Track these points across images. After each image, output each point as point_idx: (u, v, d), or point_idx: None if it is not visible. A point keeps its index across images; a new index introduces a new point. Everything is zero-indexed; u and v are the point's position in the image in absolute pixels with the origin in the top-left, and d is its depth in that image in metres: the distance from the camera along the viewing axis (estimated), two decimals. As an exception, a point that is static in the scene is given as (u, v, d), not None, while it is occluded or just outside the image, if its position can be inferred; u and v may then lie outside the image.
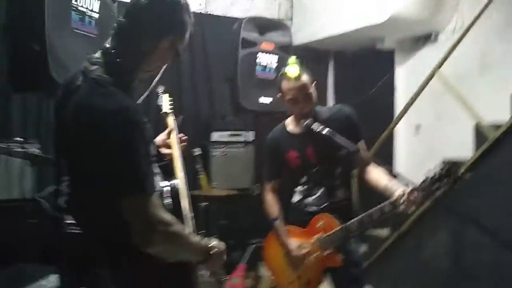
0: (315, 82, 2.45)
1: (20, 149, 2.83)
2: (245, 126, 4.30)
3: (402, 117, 3.81)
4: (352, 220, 2.26)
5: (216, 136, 4.39)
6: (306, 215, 2.46)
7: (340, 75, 5.39)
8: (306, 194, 2.48)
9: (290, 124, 2.54)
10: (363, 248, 2.78)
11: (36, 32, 2.13)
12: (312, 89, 2.40)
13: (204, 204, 3.64)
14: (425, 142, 4.33)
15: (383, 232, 3.95)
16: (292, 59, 2.44)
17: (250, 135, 4.28)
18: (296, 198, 2.54)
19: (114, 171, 1.32)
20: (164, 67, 1.59)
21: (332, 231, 2.32)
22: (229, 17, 4.62)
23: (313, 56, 5.36)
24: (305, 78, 2.36)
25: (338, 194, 2.45)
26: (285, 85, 2.37)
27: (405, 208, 2.08)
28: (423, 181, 2.06)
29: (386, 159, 4.29)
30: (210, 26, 4.62)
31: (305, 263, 2.39)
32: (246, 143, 4.35)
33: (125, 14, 1.47)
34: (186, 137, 2.04)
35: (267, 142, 2.62)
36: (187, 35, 1.53)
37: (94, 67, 1.42)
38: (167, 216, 1.38)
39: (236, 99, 3.67)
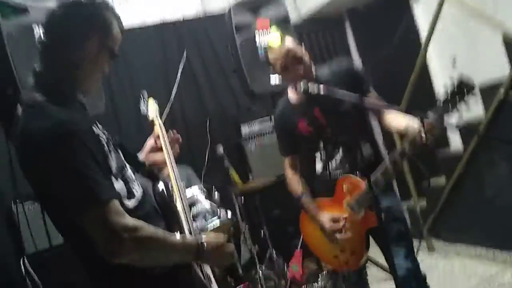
0: (302, 43, 2.32)
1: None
2: (269, 111, 4.15)
3: (427, 45, 3.53)
4: (375, 173, 2.07)
5: (246, 129, 4.32)
6: (332, 181, 2.30)
7: (359, 33, 5.14)
8: (327, 159, 2.34)
9: (292, 93, 2.41)
10: (401, 202, 2.53)
11: (6, 77, 2.14)
12: (301, 51, 2.25)
13: (241, 199, 3.54)
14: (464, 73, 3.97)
15: (440, 180, 3.66)
16: (273, 28, 2.32)
17: (276, 118, 4.11)
18: (318, 167, 2.39)
19: (61, 190, 1.28)
20: (106, 71, 1.52)
21: (358, 190, 2.15)
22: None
23: (325, 24, 5.15)
24: (289, 42, 2.24)
25: (360, 151, 2.29)
26: (270, 56, 2.27)
27: (426, 140, 1.86)
28: (436, 106, 1.84)
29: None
30: (214, 26, 4.57)
31: (344, 239, 2.23)
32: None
33: (44, 32, 1.45)
34: (178, 135, 1.94)
35: (275, 119, 2.53)
36: (115, 30, 1.48)
37: (29, 93, 1.40)
38: (133, 221, 1.31)
39: (247, 88, 3.54)
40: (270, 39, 2.26)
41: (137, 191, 1.51)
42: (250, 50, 3.55)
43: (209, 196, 3.14)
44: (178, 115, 4.38)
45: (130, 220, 1.30)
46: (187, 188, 3.10)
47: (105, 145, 1.42)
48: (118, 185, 1.43)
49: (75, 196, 1.26)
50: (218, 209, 3.09)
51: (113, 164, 1.43)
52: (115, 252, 1.26)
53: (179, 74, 4.36)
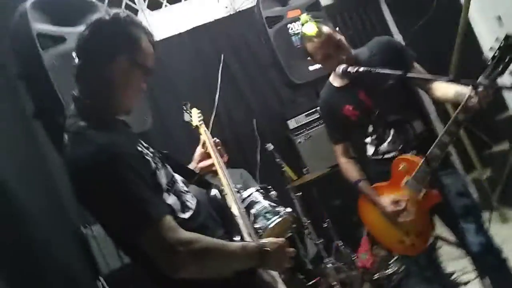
0: (337, 28, 2.29)
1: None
2: (314, 101, 4.08)
3: (468, 7, 3.33)
4: (432, 147, 1.99)
5: (293, 123, 4.28)
6: (387, 164, 2.24)
7: (395, 4, 4.95)
8: (379, 142, 2.28)
9: (334, 80, 2.38)
10: (463, 177, 2.42)
11: (56, 108, 2.22)
12: (339, 35, 2.23)
13: (298, 194, 3.50)
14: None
15: (503, 146, 3.47)
16: (303, 17, 2.33)
17: (323, 108, 4.04)
18: (370, 151, 2.34)
19: (112, 215, 1.30)
20: (143, 89, 1.53)
21: (416, 168, 2.07)
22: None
23: (358, 2, 5.02)
24: (325, 29, 2.22)
25: (412, 129, 2.21)
26: (310, 47, 2.25)
27: (480, 104, 1.80)
28: (486, 67, 1.76)
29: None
30: (245, 22, 4.55)
31: (407, 219, 2.15)
32: (323, 116, 4.14)
33: (77, 55, 1.46)
34: (218, 140, 1.96)
35: (320, 107, 2.51)
36: (144, 45, 1.47)
37: (72, 120, 1.42)
38: (187, 235, 1.31)
39: (287, 79, 3.50)
40: (306, 29, 2.23)
41: (191, 202, 1.52)
42: (284, 41, 3.52)
43: (267, 196, 3.12)
44: (224, 119, 4.39)
45: (184, 234, 1.30)
46: (244, 190, 3.12)
47: (152, 162, 1.41)
48: (171, 200, 1.43)
49: (127, 219, 1.28)
50: (278, 207, 3.07)
51: (163, 180, 1.43)
52: (174, 267, 1.27)
53: (219, 78, 4.38)
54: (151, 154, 1.44)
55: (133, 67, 1.44)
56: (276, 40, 3.46)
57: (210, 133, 2.09)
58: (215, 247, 1.36)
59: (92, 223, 3.45)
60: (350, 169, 2.37)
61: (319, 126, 4.22)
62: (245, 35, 4.57)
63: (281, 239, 1.51)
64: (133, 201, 1.27)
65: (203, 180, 1.74)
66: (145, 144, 1.47)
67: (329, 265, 3.43)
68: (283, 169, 3.48)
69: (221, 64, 4.43)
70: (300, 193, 3.54)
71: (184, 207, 1.47)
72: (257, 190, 3.16)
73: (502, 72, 1.72)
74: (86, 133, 1.34)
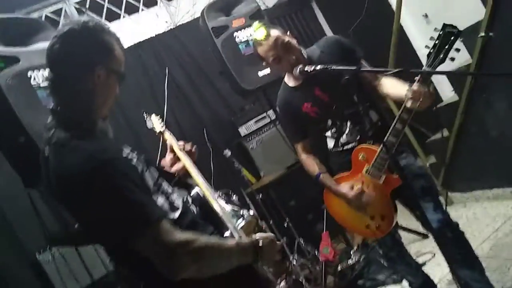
0: (288, 31, 2.41)
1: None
2: (263, 106, 4.23)
3: (400, 7, 3.62)
4: (387, 135, 2.12)
5: (244, 130, 4.39)
6: (348, 155, 2.37)
7: (328, 9, 5.26)
8: (338, 135, 2.41)
9: (289, 80, 2.47)
10: (419, 160, 2.62)
11: (15, 127, 2.18)
12: (287, 37, 2.33)
13: (258, 197, 3.60)
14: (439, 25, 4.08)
15: (440, 135, 3.77)
16: (256, 24, 2.41)
17: (272, 112, 4.18)
18: (330, 144, 2.47)
19: (110, 222, 1.30)
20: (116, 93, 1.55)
21: (374, 156, 2.21)
22: (197, 18, 4.55)
23: (293, 7, 5.25)
24: (274, 32, 2.32)
25: (367, 120, 2.33)
26: (260, 50, 2.34)
27: (425, 91, 1.95)
28: (428, 55, 1.92)
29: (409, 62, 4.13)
30: (186, 35, 4.65)
31: (369, 200, 2.28)
32: (272, 121, 4.29)
33: (49, 68, 1.45)
34: (188, 143, 2.01)
35: (279, 107, 2.57)
36: (117, 51, 1.48)
37: (51, 131, 1.41)
38: (184, 236, 1.33)
39: (238, 87, 3.59)
40: (256, 35, 2.32)
41: (178, 202, 1.55)
42: (231, 50, 3.61)
43: (229, 200, 3.19)
44: (174, 130, 4.34)
45: (181, 235, 1.32)
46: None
47: (138, 165, 1.44)
48: (160, 201, 1.46)
49: (124, 223, 1.29)
50: (240, 210, 3.15)
51: (150, 182, 1.46)
52: (174, 269, 1.29)
53: (165, 91, 4.41)
54: (136, 158, 1.46)
55: (110, 74, 1.46)
56: (224, 49, 3.54)
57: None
58: (212, 245, 1.39)
59: (46, 248, 3.37)
60: (311, 164, 2.47)
61: (269, 131, 4.38)
62: (187, 48, 4.66)
63: (270, 234, 1.57)
64: (128, 205, 1.28)
65: (182, 181, 1.79)
66: (128, 148, 1.49)
67: (293, 263, 3.54)
68: (242, 174, 3.55)
69: (166, 77, 4.47)
70: (261, 196, 3.62)
71: (173, 207, 1.49)
72: (219, 196, 3.21)
73: (443, 60, 1.89)
74: (71, 144, 1.34)
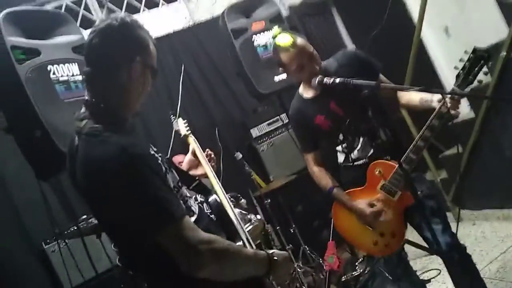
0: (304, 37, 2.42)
1: (86, 225, 2.98)
2: (276, 110, 4.23)
3: (422, 19, 3.59)
4: (408, 151, 2.13)
5: (256, 131, 4.42)
6: (358, 170, 2.36)
7: (348, 16, 5.22)
8: (349, 150, 2.39)
9: (304, 91, 2.46)
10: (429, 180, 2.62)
11: (32, 121, 2.20)
12: (311, 48, 2.31)
13: (267, 201, 3.61)
14: (459, 40, 4.06)
15: (456, 150, 3.75)
16: (276, 29, 2.39)
17: (285, 116, 4.19)
18: (341, 158, 2.46)
19: (136, 215, 1.32)
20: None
21: (392, 172, 2.20)
22: (217, 17, 4.57)
23: (312, 12, 5.23)
24: (300, 40, 2.30)
25: (381, 136, 2.32)
26: (284, 57, 2.30)
27: (453, 111, 1.99)
28: (457, 76, 1.95)
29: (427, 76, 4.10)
30: (204, 33, 4.66)
31: (382, 217, 2.28)
32: (285, 125, 4.29)
33: (86, 62, 1.49)
34: (211, 152, 2.04)
35: (291, 118, 2.57)
36: (151, 47, 1.52)
37: (83, 122, 1.44)
38: (207, 235, 1.36)
39: (254, 90, 3.60)
40: (281, 40, 2.29)
41: (195, 207, 1.57)
42: (249, 53, 3.62)
43: (237, 204, 3.20)
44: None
45: (205, 234, 1.35)
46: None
47: (162, 165, 1.47)
48: None
49: (152, 217, 1.31)
50: (248, 215, 3.16)
51: (171, 183, 1.48)
52: (195, 265, 1.30)
53: (180, 88, 4.43)
54: (160, 158, 1.49)
55: (145, 70, 1.49)
56: (242, 51, 3.55)
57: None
58: (233, 249, 1.42)
59: (53, 240, 3.41)
60: (323, 177, 2.45)
61: (281, 134, 4.38)
62: (205, 46, 4.66)
63: (286, 253, 1.59)
64: (156, 200, 1.31)
65: (202, 186, 1.80)
66: (154, 148, 1.51)
67: (297, 270, 3.54)
68: (252, 177, 3.56)
69: (182, 74, 4.48)
70: (269, 200, 3.63)
71: (189, 212, 1.52)
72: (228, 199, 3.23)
73: (471, 82, 1.92)
74: (103, 135, 1.37)
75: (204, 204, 1.68)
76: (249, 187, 3.88)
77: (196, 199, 1.65)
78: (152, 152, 1.45)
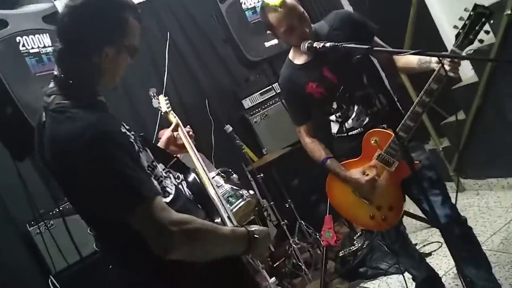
0: None
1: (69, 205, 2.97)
2: (269, 78, 4.18)
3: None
4: (405, 118, 2.09)
5: (248, 102, 4.37)
6: (352, 141, 2.34)
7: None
8: (343, 119, 2.35)
9: (295, 57, 2.40)
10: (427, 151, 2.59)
11: (2, 97, 2.16)
12: (301, 8, 2.24)
13: (259, 176, 3.60)
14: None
15: (459, 116, 3.71)
16: None
17: (277, 85, 4.12)
18: (334, 128, 2.42)
19: (104, 195, 1.32)
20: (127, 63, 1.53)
21: (389, 141, 2.17)
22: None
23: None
24: (289, 0, 2.21)
25: (376, 103, 2.28)
26: (273, 18, 2.22)
27: (452, 73, 1.96)
28: (457, 36, 1.93)
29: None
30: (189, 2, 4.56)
31: (379, 189, 2.26)
32: (278, 94, 4.24)
33: (58, 38, 1.46)
34: (190, 130, 2.04)
35: (282, 87, 2.52)
36: (132, 25, 1.47)
37: (51, 97, 1.43)
38: (179, 215, 1.36)
39: (243, 57, 3.54)
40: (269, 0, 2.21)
41: (170, 188, 1.56)
42: (237, 17, 3.55)
43: (228, 179, 3.20)
44: (174, 100, 4.37)
45: (176, 214, 1.35)
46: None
47: (135, 144, 1.45)
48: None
49: (121, 197, 1.31)
50: (240, 190, 3.16)
51: (145, 163, 1.46)
52: (166, 246, 1.30)
53: (166, 57, 4.37)
54: (133, 137, 1.47)
55: (120, 52, 1.46)
56: (229, 16, 3.48)
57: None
58: (207, 229, 1.40)
59: (37, 221, 3.40)
60: (316, 149, 2.43)
61: (275, 105, 4.33)
62: (190, 11, 4.58)
63: (265, 228, 1.59)
64: (126, 179, 1.30)
65: (180, 164, 1.78)
66: (126, 126, 1.49)
67: (293, 246, 3.57)
68: (243, 150, 3.54)
69: (167, 42, 4.41)
70: (262, 175, 3.61)
71: (164, 192, 1.51)
72: (218, 174, 3.23)
73: (471, 41, 1.89)
74: (71, 111, 1.36)
75: (183, 183, 1.66)
76: (242, 161, 3.86)
77: (176, 178, 1.64)
78: (124, 130, 1.42)
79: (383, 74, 2.39)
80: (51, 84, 1.48)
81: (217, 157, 4.29)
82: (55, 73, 1.48)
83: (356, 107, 2.30)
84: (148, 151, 1.55)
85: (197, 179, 1.72)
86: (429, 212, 2.16)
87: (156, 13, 4.45)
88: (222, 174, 3.23)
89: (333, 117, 2.38)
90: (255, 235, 1.49)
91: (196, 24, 4.57)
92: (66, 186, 1.43)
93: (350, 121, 2.33)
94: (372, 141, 2.23)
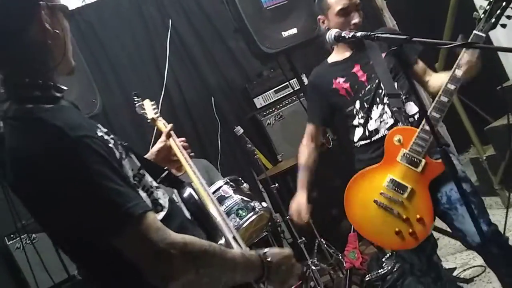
0: None
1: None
2: (285, 73, 4.15)
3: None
4: (430, 109, 2.15)
5: (260, 101, 4.35)
6: (376, 149, 2.39)
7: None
8: (365, 120, 2.42)
9: (332, 56, 2.59)
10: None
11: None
12: None
13: (273, 186, 3.57)
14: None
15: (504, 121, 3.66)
16: None
17: (296, 81, 4.08)
18: (357, 136, 2.48)
19: (84, 214, 1.22)
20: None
21: (414, 135, 2.21)
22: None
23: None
24: None
25: (406, 108, 2.36)
26: None
27: (474, 58, 2.10)
28: (478, 21, 2.09)
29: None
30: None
31: (404, 196, 2.25)
32: (296, 92, 4.20)
33: None
34: (183, 139, 2.03)
35: (309, 82, 2.71)
36: None
37: (6, 104, 1.34)
38: (180, 235, 1.27)
39: (256, 48, 3.50)
40: None
41: (164, 200, 1.49)
42: (251, 2, 3.51)
43: (238, 189, 3.17)
44: (176, 98, 4.41)
45: (176, 235, 1.26)
46: (210, 185, 3.15)
47: (116, 150, 1.36)
48: (141, 196, 1.38)
49: (103, 217, 1.21)
50: (252, 202, 3.13)
51: (129, 172, 1.39)
52: (166, 274, 1.22)
53: (167, 48, 4.36)
54: (112, 141, 1.38)
55: (54, 13, 1.38)
56: (241, 1, 3.43)
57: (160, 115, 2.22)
58: (214, 251, 1.32)
59: (19, 234, 3.40)
60: (304, 153, 2.70)
61: (292, 104, 4.31)
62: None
63: (286, 250, 1.52)
64: (106, 193, 1.21)
65: (172, 177, 1.73)
66: (103, 129, 1.40)
67: (311, 268, 3.52)
68: (256, 156, 3.51)
69: (169, 31, 4.41)
70: (276, 185, 3.58)
71: (156, 206, 1.43)
72: (226, 183, 3.20)
73: (494, 26, 2.03)
74: (33, 117, 1.28)
75: (177, 198, 1.62)
76: (253, 168, 3.84)
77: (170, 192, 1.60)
78: (100, 134, 1.33)
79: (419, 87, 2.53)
80: (1, 90, 1.37)
81: (223, 163, 4.27)
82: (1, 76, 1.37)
83: (380, 107, 2.38)
84: (133, 157, 1.47)
85: (194, 195, 1.67)
86: (461, 229, 2.22)
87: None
88: (231, 183, 3.20)
89: (355, 121, 2.45)
90: (268, 259, 1.42)
91: (202, 10, 4.58)
92: (34, 209, 1.33)
93: (373, 122, 2.39)
94: (395, 140, 2.27)
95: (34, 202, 1.31)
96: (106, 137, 1.36)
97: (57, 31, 1.38)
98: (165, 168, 1.75)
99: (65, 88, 1.42)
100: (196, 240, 1.30)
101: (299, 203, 2.63)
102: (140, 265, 1.22)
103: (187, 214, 1.63)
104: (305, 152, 2.70)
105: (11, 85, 1.36)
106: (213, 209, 1.76)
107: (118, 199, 1.21)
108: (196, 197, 1.70)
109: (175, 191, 1.72)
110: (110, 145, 1.34)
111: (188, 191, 1.70)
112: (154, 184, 1.51)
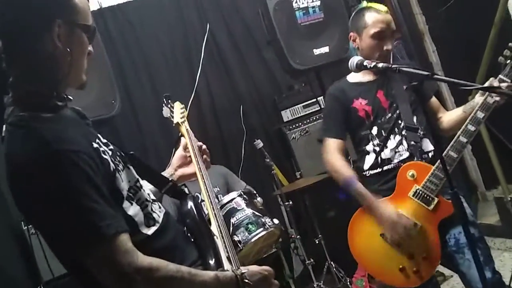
0: None
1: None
2: (314, 90, 4.11)
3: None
4: (448, 148, 2.15)
5: (287, 114, 4.31)
6: (387, 182, 2.34)
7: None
8: (381, 148, 2.38)
9: (354, 76, 2.54)
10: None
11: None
12: None
13: (288, 203, 3.52)
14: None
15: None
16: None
17: (323, 99, 4.06)
18: (368, 163, 2.43)
19: (55, 225, 1.26)
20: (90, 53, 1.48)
21: (428, 175, 2.19)
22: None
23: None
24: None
25: (422, 144, 2.34)
26: (371, 16, 2.44)
27: (500, 100, 2.11)
28: (504, 66, 2.10)
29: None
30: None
31: (412, 233, 2.20)
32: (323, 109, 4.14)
33: None
34: (201, 144, 1.97)
35: (329, 93, 2.60)
36: (78, 1, 1.41)
37: (10, 108, 1.38)
38: (148, 260, 1.29)
39: (286, 63, 3.51)
40: (376, 5, 2.49)
41: (158, 214, 1.50)
42: (286, 17, 3.53)
43: (251, 202, 3.14)
44: (205, 102, 4.42)
45: (143, 259, 1.28)
46: (224, 194, 3.13)
47: (111, 162, 1.39)
48: (133, 210, 1.41)
49: (73, 234, 1.24)
50: (263, 217, 3.09)
51: (123, 185, 1.41)
52: None
53: (202, 52, 4.38)
54: (110, 152, 1.42)
55: (74, 30, 1.40)
56: (276, 14, 3.46)
57: (187, 117, 2.14)
58: (181, 277, 1.33)
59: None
60: (345, 166, 2.39)
61: (319, 121, 4.25)
62: (237, 4, 4.60)
63: (266, 268, 1.51)
64: (80, 212, 1.23)
65: (177, 189, 1.74)
66: (103, 140, 1.45)
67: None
68: (273, 171, 3.48)
69: (206, 36, 4.43)
70: (290, 202, 3.54)
71: (149, 220, 1.45)
72: (240, 195, 3.17)
73: None
74: (27, 125, 1.31)
75: (175, 211, 1.61)
76: (272, 181, 3.80)
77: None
78: (96, 146, 1.37)
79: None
80: (10, 94, 1.42)
81: (244, 172, 4.25)
82: (11, 80, 1.41)
83: (398, 138, 2.36)
84: (132, 169, 1.49)
85: (194, 210, 1.65)
86: (466, 273, 2.18)
87: (200, 2, 4.49)
88: (245, 195, 3.18)
89: (369, 146, 2.42)
90: (245, 280, 1.42)
91: (241, 18, 4.59)
92: (22, 210, 1.36)
93: (387, 151, 2.37)
94: (409, 175, 2.25)
95: (19, 206, 1.35)
96: (103, 148, 1.40)
97: (69, 49, 1.39)
98: (170, 180, 1.78)
99: (70, 98, 1.45)
100: (163, 265, 1.32)
101: (400, 216, 2.25)
102: (104, 285, 1.26)
103: (183, 228, 1.63)
104: (343, 164, 2.39)
105: (17, 90, 1.40)
106: (214, 226, 1.72)
107: (91, 218, 1.24)
108: (194, 212, 1.69)
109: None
110: (106, 156, 1.38)
111: (189, 204, 1.69)
112: (152, 197, 1.53)
